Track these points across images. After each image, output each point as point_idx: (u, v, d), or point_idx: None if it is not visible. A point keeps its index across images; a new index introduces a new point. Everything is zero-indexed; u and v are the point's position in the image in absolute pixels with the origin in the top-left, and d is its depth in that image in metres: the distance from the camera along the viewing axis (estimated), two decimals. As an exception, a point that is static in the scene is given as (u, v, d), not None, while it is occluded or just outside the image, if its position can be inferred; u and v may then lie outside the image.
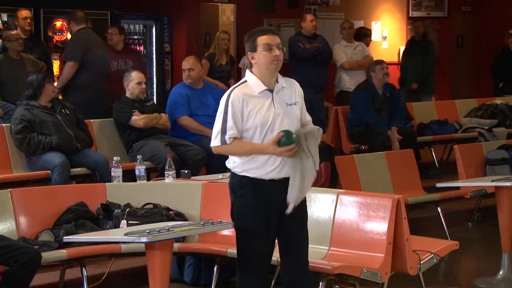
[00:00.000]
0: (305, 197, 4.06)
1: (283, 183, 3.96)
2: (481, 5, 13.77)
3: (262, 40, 4.01)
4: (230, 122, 3.93)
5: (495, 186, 5.84)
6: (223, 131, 3.94)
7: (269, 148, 3.90)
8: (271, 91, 3.99)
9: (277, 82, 4.03)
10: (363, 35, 10.42)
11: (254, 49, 4.04)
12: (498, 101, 9.85)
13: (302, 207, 4.04)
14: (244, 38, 4.14)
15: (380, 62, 8.48)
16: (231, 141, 3.95)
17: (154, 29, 10.70)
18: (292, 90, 4.05)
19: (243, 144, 3.95)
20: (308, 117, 4.15)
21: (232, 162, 4.05)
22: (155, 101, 9.83)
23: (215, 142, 3.99)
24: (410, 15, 13.32)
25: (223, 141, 3.95)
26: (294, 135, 3.92)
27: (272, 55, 3.98)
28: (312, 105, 8.29)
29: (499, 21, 12.98)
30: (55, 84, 6.76)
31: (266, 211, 3.96)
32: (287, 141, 3.90)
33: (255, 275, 3.98)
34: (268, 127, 3.95)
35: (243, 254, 4.01)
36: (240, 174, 4.00)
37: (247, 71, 4.09)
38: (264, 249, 3.98)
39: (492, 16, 13.46)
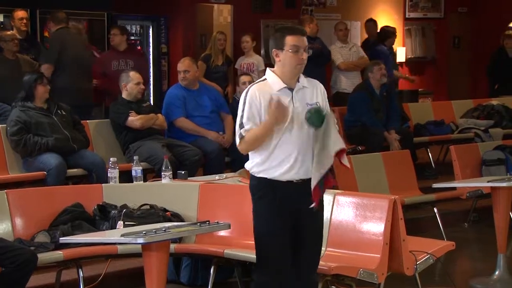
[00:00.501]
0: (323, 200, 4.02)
1: (301, 185, 3.92)
2: (477, 6, 13.79)
3: (290, 40, 3.91)
4: (245, 118, 3.89)
5: (491, 187, 5.85)
6: (241, 126, 3.91)
7: (272, 108, 3.80)
8: (291, 89, 3.94)
9: (298, 82, 3.97)
10: (389, 33, 10.23)
11: (280, 47, 3.93)
12: (494, 102, 9.87)
13: (320, 211, 4.01)
14: (267, 35, 4.07)
15: (378, 62, 8.50)
16: (247, 134, 3.89)
17: (151, 29, 10.70)
18: (314, 90, 3.99)
19: (254, 132, 3.88)
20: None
21: (251, 164, 4.00)
22: (152, 102, 9.83)
23: (237, 139, 3.95)
24: (406, 16, 13.34)
25: (240, 136, 3.90)
26: (323, 113, 3.84)
27: (299, 57, 3.91)
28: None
29: (496, 22, 13.00)
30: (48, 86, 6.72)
31: (283, 213, 3.91)
32: (317, 120, 3.82)
33: (274, 276, 3.93)
34: (286, 125, 3.88)
35: (262, 255, 3.98)
36: (258, 176, 3.95)
37: (268, 69, 4.02)
38: (283, 250, 3.93)
39: (488, 17, 13.48)
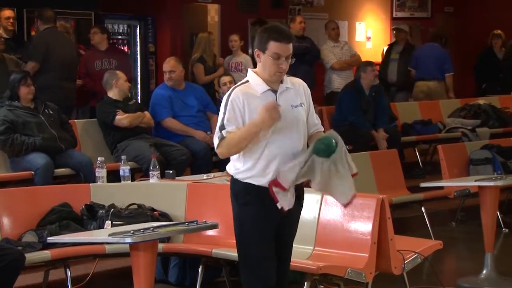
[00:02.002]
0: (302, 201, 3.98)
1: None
2: (464, 6, 13.85)
3: (273, 47, 3.73)
4: (226, 120, 3.75)
5: (478, 186, 5.87)
6: (221, 128, 3.76)
7: (261, 113, 3.66)
8: (275, 91, 3.81)
9: (281, 83, 3.84)
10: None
11: (262, 49, 3.77)
12: (481, 101, 9.92)
13: (298, 210, 3.95)
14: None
15: (371, 63, 8.52)
16: (227, 134, 3.76)
17: (138, 29, 10.68)
18: (297, 91, 3.86)
19: (238, 133, 3.73)
20: (316, 120, 3.92)
21: (235, 169, 3.87)
22: (139, 101, 9.80)
23: (215, 141, 3.80)
24: (394, 16, 13.38)
25: (221, 137, 3.75)
26: (333, 141, 3.69)
27: (279, 65, 3.74)
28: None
29: (482, 21, 13.07)
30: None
31: (270, 220, 3.82)
32: (327, 149, 3.68)
33: (259, 282, 3.83)
34: (271, 129, 3.73)
35: (247, 261, 3.87)
36: (244, 181, 3.82)
37: (250, 71, 3.90)
38: (267, 256, 3.84)
39: (475, 17, 13.55)
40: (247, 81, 3.85)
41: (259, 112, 3.70)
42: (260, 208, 3.81)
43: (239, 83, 3.89)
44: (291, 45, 3.79)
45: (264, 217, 3.82)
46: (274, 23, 4.12)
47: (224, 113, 3.77)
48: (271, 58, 3.75)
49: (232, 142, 3.75)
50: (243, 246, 3.88)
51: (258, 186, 3.80)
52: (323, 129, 3.94)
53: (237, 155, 3.83)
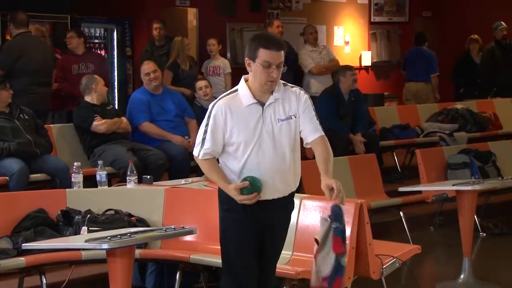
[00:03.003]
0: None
1: (275, 204, 3.83)
2: (442, 10, 13.95)
3: (263, 55, 3.67)
4: (208, 135, 3.75)
5: (456, 190, 5.91)
6: (202, 143, 3.78)
7: (231, 191, 3.73)
8: (263, 104, 3.76)
9: (272, 94, 3.76)
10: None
11: (252, 58, 3.72)
12: (459, 106, 9.99)
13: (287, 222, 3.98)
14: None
15: (351, 68, 8.54)
16: (204, 159, 3.78)
17: (115, 33, 10.63)
18: (289, 101, 3.78)
19: (212, 170, 3.79)
20: (311, 125, 3.83)
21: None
22: (116, 106, 9.77)
23: (195, 151, 3.83)
24: (372, 20, 13.44)
25: (199, 154, 3.79)
26: (259, 183, 3.70)
27: (269, 74, 3.68)
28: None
29: (460, 26, 13.17)
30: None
31: (252, 230, 3.82)
32: (250, 190, 3.71)
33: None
34: (254, 144, 3.72)
35: (229, 268, 3.87)
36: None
37: (242, 80, 3.82)
38: (250, 264, 3.84)
39: (453, 21, 13.65)
40: (236, 90, 3.80)
41: (238, 198, 3.72)
42: (242, 216, 3.80)
43: (226, 93, 3.84)
44: (282, 53, 3.74)
45: (245, 225, 3.81)
46: (264, 31, 4.09)
47: (207, 125, 3.77)
48: (261, 67, 3.70)
49: (205, 171, 3.87)
50: (226, 252, 3.88)
51: None
52: (323, 134, 3.92)
53: (223, 164, 3.84)
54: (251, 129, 3.74)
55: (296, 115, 3.80)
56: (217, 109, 3.75)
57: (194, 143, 3.91)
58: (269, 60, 3.70)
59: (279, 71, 3.74)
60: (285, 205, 3.93)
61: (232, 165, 3.80)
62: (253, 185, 3.71)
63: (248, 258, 3.84)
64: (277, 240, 3.97)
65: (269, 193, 3.81)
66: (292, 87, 3.87)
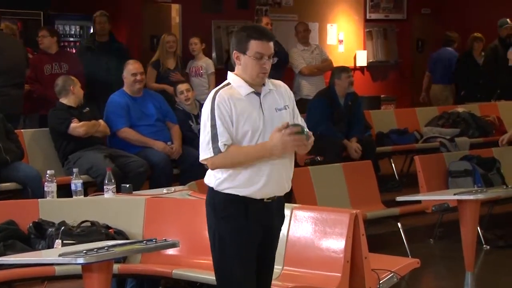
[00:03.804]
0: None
1: (272, 203, 3.86)
2: (441, 7, 14.02)
3: (255, 46, 3.77)
4: (220, 127, 3.72)
5: (458, 200, 5.92)
6: (214, 138, 3.72)
7: (274, 136, 3.69)
8: (259, 94, 3.83)
9: (264, 85, 3.86)
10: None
11: (242, 51, 3.79)
12: (460, 109, 10.02)
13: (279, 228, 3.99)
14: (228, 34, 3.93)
15: (347, 69, 8.54)
16: (227, 148, 3.72)
17: (91, 30, 10.61)
18: (280, 94, 3.89)
19: (240, 151, 3.73)
20: (302, 123, 3.90)
21: (216, 179, 3.82)
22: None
23: (206, 153, 3.72)
24: (367, 17, 13.50)
25: (216, 151, 3.71)
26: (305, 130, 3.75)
27: (262, 66, 3.77)
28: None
29: (461, 24, 13.23)
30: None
31: (252, 236, 3.82)
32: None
33: None
34: (259, 133, 3.77)
35: (225, 282, 3.86)
36: (225, 192, 3.79)
37: (229, 73, 3.90)
38: (248, 276, 3.83)
39: (453, 19, 13.71)
40: (229, 83, 3.86)
41: (282, 139, 3.69)
42: (242, 222, 3.81)
43: (220, 86, 3.88)
44: (272, 44, 3.85)
45: (247, 232, 3.82)
46: (252, 24, 4.14)
47: (214, 119, 3.74)
48: (253, 58, 3.79)
49: (234, 157, 3.73)
50: (222, 264, 3.87)
51: (242, 197, 3.79)
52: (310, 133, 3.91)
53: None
54: (255, 118, 3.80)
55: (288, 107, 3.89)
56: (219, 99, 3.77)
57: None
58: (261, 51, 3.79)
59: (270, 62, 3.84)
60: (281, 207, 3.96)
61: None
62: (302, 130, 3.72)
63: (250, 271, 3.85)
64: (275, 247, 3.99)
65: (277, 188, 3.84)
66: (276, 81, 3.99)
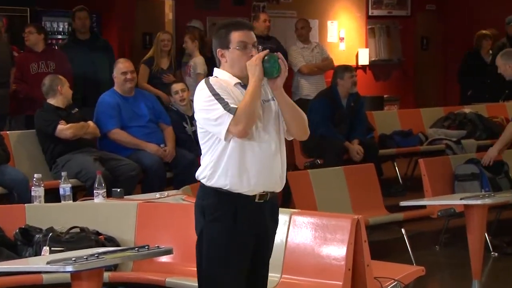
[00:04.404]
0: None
1: (266, 207, 3.87)
2: (447, 3, 14.05)
3: (237, 36, 3.85)
4: (224, 95, 3.77)
5: (464, 205, 5.93)
6: (225, 105, 3.74)
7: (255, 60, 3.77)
8: (245, 86, 3.86)
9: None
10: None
11: (226, 46, 3.87)
12: (467, 110, 10.03)
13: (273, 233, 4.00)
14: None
15: (350, 69, 8.54)
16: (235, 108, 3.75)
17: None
18: (267, 86, 3.92)
19: (248, 95, 3.76)
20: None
21: (208, 171, 3.82)
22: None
23: (226, 121, 3.72)
24: (369, 14, 13.52)
25: (233, 110, 3.72)
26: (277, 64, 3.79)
27: (248, 55, 3.85)
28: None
29: (468, 21, 13.26)
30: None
31: (244, 241, 3.83)
32: (272, 66, 3.79)
33: None
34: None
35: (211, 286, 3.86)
36: (216, 189, 3.80)
37: (215, 69, 3.96)
38: (238, 283, 3.83)
39: (460, 15, 13.74)
40: (215, 76, 3.91)
41: (254, 67, 3.76)
42: (233, 226, 3.82)
43: (206, 78, 3.91)
44: (253, 33, 3.91)
45: (238, 237, 3.82)
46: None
47: (216, 94, 3.78)
48: (238, 49, 3.85)
49: (247, 104, 3.74)
50: (209, 272, 3.87)
51: (232, 197, 3.80)
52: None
53: (208, 157, 3.85)
54: None
55: (274, 99, 3.93)
56: (212, 79, 3.86)
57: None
58: (244, 39, 3.86)
59: (256, 51, 3.88)
60: (274, 210, 3.96)
61: (224, 152, 3.81)
62: (272, 56, 3.79)
63: (239, 279, 3.84)
64: (269, 254, 3.98)
65: (270, 182, 3.86)
66: None
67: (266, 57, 3.80)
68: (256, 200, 3.85)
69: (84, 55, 8.72)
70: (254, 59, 3.80)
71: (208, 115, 3.80)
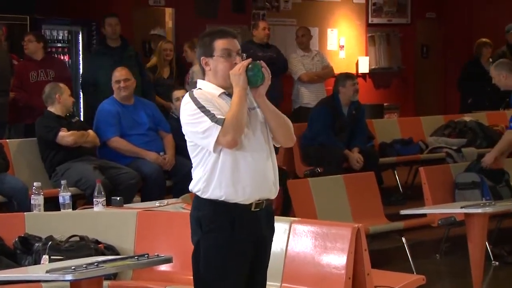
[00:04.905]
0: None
1: (262, 215, 3.87)
2: (447, 11, 14.07)
3: (220, 44, 3.87)
4: (210, 107, 3.78)
5: (465, 213, 5.94)
6: (212, 117, 3.76)
7: (238, 69, 3.79)
8: (230, 95, 3.87)
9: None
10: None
11: (209, 54, 3.88)
12: (467, 118, 10.04)
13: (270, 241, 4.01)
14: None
15: (352, 76, 8.56)
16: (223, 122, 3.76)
17: (80, 35, 10.63)
18: (250, 94, 3.92)
19: (234, 105, 3.78)
20: None
21: (200, 182, 3.83)
22: (82, 117, 9.76)
23: (214, 133, 3.73)
24: (369, 22, 13.54)
25: (220, 121, 3.74)
26: (260, 73, 3.84)
27: (231, 63, 3.86)
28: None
29: (468, 29, 13.29)
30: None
31: (242, 252, 3.83)
32: (256, 75, 3.82)
33: None
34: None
35: None
36: (212, 200, 3.80)
37: (199, 80, 3.98)
38: None
39: (460, 23, 13.77)
40: (199, 89, 3.92)
41: (237, 76, 3.79)
42: (231, 235, 3.82)
43: (190, 91, 3.94)
44: (237, 41, 3.93)
45: (236, 246, 3.82)
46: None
47: (202, 107, 3.79)
48: (222, 58, 3.87)
49: (234, 113, 3.76)
50: (207, 282, 3.86)
51: (228, 207, 3.80)
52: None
53: (200, 170, 3.84)
54: None
55: (258, 107, 3.94)
56: (197, 92, 3.86)
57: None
58: (228, 47, 3.88)
59: (241, 58, 3.89)
60: (270, 218, 3.97)
61: (216, 162, 3.82)
62: (255, 64, 3.82)
63: (238, 287, 3.84)
64: (266, 263, 3.98)
65: (264, 189, 3.87)
66: None
67: (249, 66, 3.82)
68: (253, 209, 3.86)
69: (115, 63, 8.16)
70: (238, 68, 3.81)
71: (196, 128, 3.82)
